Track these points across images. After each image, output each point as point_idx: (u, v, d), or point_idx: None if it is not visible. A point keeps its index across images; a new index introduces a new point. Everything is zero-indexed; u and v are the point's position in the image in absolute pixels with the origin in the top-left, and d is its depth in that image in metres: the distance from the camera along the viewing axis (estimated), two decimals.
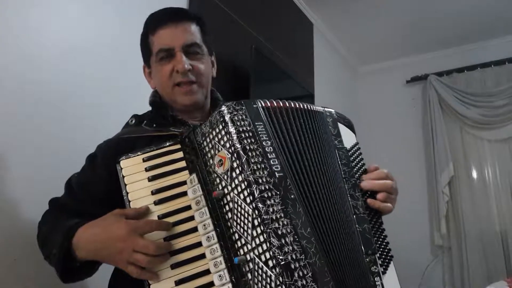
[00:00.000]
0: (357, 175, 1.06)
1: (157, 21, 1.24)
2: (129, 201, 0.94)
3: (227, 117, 0.92)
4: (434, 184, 4.26)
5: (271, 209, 0.82)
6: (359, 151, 1.12)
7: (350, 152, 1.09)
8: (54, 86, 1.54)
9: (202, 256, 0.88)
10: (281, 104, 1.00)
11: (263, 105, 0.97)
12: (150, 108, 1.31)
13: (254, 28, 2.88)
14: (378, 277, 0.92)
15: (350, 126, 1.17)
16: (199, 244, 0.89)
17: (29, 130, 1.44)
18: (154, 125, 1.19)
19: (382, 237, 1.02)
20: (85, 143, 1.32)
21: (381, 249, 0.99)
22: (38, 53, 1.50)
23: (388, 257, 0.99)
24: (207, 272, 0.87)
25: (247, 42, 2.74)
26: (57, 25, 1.60)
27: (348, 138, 1.11)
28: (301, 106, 1.04)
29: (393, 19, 3.93)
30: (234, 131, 0.90)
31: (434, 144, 4.29)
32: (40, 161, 1.46)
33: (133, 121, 1.24)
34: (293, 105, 1.02)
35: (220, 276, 0.85)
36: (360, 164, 1.10)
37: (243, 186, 0.85)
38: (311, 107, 1.07)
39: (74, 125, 1.59)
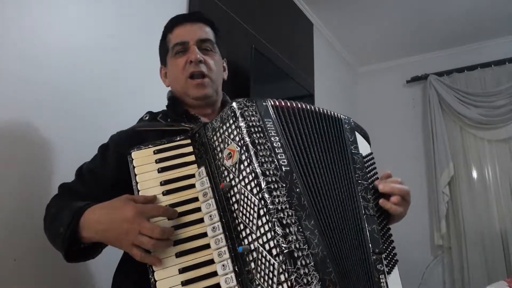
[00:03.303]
0: (370, 180, 1.09)
1: (175, 22, 1.35)
2: (139, 191, 0.96)
3: (238, 112, 0.94)
4: (434, 184, 4.25)
5: (277, 200, 0.84)
6: (372, 161, 1.17)
7: (365, 159, 1.13)
8: (55, 86, 1.54)
9: (207, 246, 0.90)
10: (289, 104, 1.04)
11: (272, 103, 1.01)
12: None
13: (254, 28, 2.89)
14: (383, 275, 0.94)
15: (366, 137, 1.22)
16: (204, 235, 0.91)
17: (30, 130, 1.45)
18: (168, 120, 1.24)
19: (389, 241, 1.05)
20: (86, 143, 1.33)
21: (387, 252, 1.02)
22: (38, 53, 1.51)
23: (393, 261, 1.02)
24: (211, 261, 0.89)
25: (247, 42, 2.75)
26: (57, 24, 1.60)
27: (363, 147, 1.15)
28: (308, 107, 1.08)
29: (393, 19, 3.95)
30: (244, 125, 0.92)
31: (434, 144, 4.30)
32: (41, 161, 1.46)
33: (147, 117, 1.29)
34: (300, 106, 1.06)
35: (223, 265, 0.87)
36: (373, 172, 1.14)
37: (250, 178, 0.87)
38: (328, 112, 1.12)
39: (74, 124, 1.60)
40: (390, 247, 1.04)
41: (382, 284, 0.93)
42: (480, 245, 3.95)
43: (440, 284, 4.20)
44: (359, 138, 1.17)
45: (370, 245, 0.97)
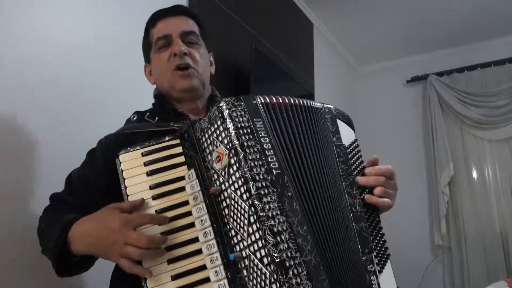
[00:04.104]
0: (355, 173, 1.05)
1: (157, 16, 1.30)
2: (127, 195, 0.94)
3: (225, 113, 0.91)
4: (434, 184, 4.25)
5: (267, 206, 0.82)
6: (358, 148, 1.11)
7: (349, 150, 1.08)
8: (55, 85, 1.55)
9: (199, 251, 0.88)
10: (280, 100, 1.00)
11: (262, 101, 0.97)
12: (150, 105, 1.33)
13: (254, 28, 2.89)
14: (374, 276, 0.92)
15: (349, 123, 1.17)
16: (196, 240, 0.89)
17: (30, 129, 1.44)
18: (157, 118, 1.21)
19: (380, 235, 1.01)
20: (86, 141, 1.32)
21: (378, 248, 0.99)
22: (38, 53, 1.51)
23: (385, 256, 0.99)
24: (203, 267, 0.87)
25: (247, 42, 2.74)
26: (58, 24, 1.60)
27: (347, 135, 1.11)
28: (300, 103, 1.04)
29: (393, 19, 3.93)
30: (233, 127, 0.89)
31: (434, 144, 4.29)
32: (41, 160, 1.46)
33: (135, 117, 1.26)
34: (292, 101, 1.02)
35: (216, 272, 0.85)
36: (359, 161, 1.09)
37: (240, 183, 0.85)
38: (310, 103, 1.07)
39: (74, 124, 1.60)
40: (381, 242, 1.00)
41: (374, 286, 0.91)
42: (480, 245, 3.95)
43: (440, 284, 4.20)
44: (342, 125, 1.12)
45: (359, 246, 0.94)
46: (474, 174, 4.14)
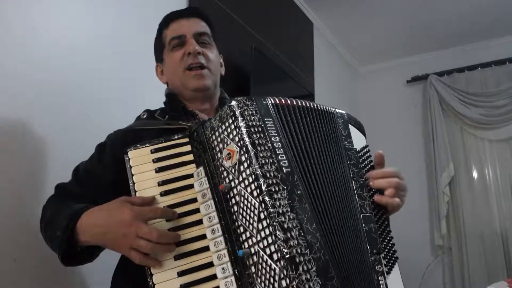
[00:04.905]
0: (366, 176, 1.07)
1: (170, 18, 1.33)
2: (136, 191, 0.94)
3: (237, 112, 0.92)
4: (435, 184, 4.25)
5: (277, 203, 0.82)
6: (368, 153, 1.14)
7: (360, 154, 1.10)
8: (54, 85, 1.54)
9: (206, 248, 0.88)
10: (290, 102, 1.01)
11: (273, 101, 0.98)
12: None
13: (254, 28, 2.89)
14: (382, 276, 0.92)
15: (361, 129, 1.19)
16: (203, 237, 0.89)
17: (29, 128, 1.44)
18: (166, 116, 1.23)
19: (388, 237, 1.03)
20: (85, 142, 1.33)
21: (387, 250, 0.99)
22: (38, 53, 1.50)
23: (393, 258, 1.00)
24: (210, 264, 0.87)
25: (247, 42, 2.74)
26: (58, 24, 1.60)
27: (358, 140, 1.13)
28: (310, 105, 1.06)
29: (393, 19, 3.94)
30: (244, 125, 0.90)
31: (435, 144, 4.29)
32: (40, 160, 1.46)
33: (145, 115, 1.27)
34: (300, 104, 1.04)
35: (223, 268, 0.85)
36: (369, 166, 1.11)
37: (250, 180, 0.85)
38: (322, 106, 1.09)
39: (74, 123, 1.59)
40: (389, 245, 1.01)
41: (382, 286, 0.91)
42: (481, 245, 3.95)
43: (440, 284, 4.20)
44: (354, 130, 1.14)
45: (367, 246, 0.95)
46: (475, 174, 4.15)
